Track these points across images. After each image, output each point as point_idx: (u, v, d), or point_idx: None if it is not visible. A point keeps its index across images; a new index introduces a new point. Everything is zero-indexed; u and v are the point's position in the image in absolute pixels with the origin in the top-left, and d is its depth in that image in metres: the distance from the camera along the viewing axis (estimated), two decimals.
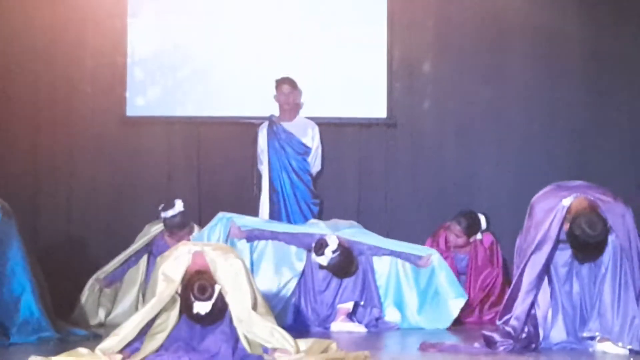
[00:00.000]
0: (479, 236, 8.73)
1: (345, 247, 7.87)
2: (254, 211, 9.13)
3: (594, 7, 9.59)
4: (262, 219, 8.77)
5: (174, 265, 5.86)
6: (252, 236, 8.11)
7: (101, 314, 8.33)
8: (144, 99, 9.71)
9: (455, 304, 7.98)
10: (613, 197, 6.46)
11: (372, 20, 9.60)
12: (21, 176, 9.43)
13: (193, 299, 5.73)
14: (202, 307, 5.73)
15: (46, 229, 9.44)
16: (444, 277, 8.03)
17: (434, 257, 8.08)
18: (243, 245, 8.05)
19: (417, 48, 9.66)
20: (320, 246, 7.82)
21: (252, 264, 8.00)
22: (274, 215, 9.16)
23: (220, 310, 5.81)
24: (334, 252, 7.79)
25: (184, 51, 9.68)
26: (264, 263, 8.07)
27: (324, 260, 7.80)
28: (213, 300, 5.74)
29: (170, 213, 8.39)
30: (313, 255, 7.87)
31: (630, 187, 8.91)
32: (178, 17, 9.66)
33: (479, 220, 8.73)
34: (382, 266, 8.07)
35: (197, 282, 5.75)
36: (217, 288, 5.77)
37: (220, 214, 8.18)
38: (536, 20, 9.57)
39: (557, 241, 6.42)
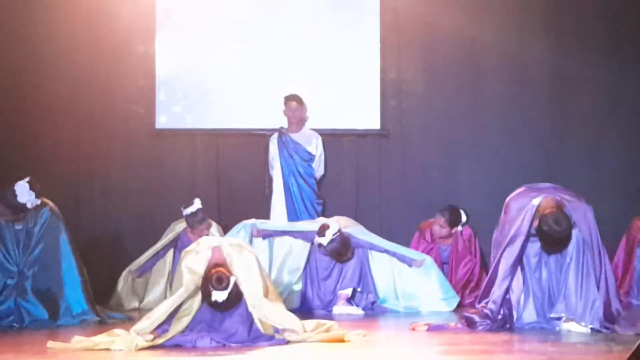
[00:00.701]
0: (459, 228, 8.74)
1: (343, 235, 7.89)
2: (266, 210, 9.16)
3: (558, 35, 9.63)
4: (279, 223, 8.74)
5: (197, 259, 5.86)
6: (266, 234, 8.15)
7: (135, 300, 8.35)
8: (170, 114, 9.72)
9: (448, 302, 8.00)
10: (577, 197, 6.46)
11: (367, 46, 9.64)
12: (65, 182, 9.39)
13: (212, 288, 5.72)
14: (219, 296, 5.72)
15: (87, 228, 9.42)
16: (435, 277, 8.02)
17: (427, 260, 8.09)
18: (263, 244, 8.09)
19: (405, 69, 9.70)
20: (323, 229, 7.85)
21: (271, 259, 8.03)
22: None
23: (236, 297, 5.80)
24: (333, 234, 7.80)
25: (204, 72, 9.69)
26: (279, 257, 8.09)
27: (324, 240, 7.81)
28: (229, 290, 5.73)
29: (189, 210, 8.40)
30: (316, 237, 7.88)
31: (587, 187, 8.89)
32: (198, 43, 9.67)
33: (460, 214, 8.74)
34: (381, 269, 8.05)
35: (215, 274, 5.75)
36: (232, 279, 5.76)
37: (243, 222, 8.21)
38: (508, 45, 9.62)
39: (529, 235, 6.40)
